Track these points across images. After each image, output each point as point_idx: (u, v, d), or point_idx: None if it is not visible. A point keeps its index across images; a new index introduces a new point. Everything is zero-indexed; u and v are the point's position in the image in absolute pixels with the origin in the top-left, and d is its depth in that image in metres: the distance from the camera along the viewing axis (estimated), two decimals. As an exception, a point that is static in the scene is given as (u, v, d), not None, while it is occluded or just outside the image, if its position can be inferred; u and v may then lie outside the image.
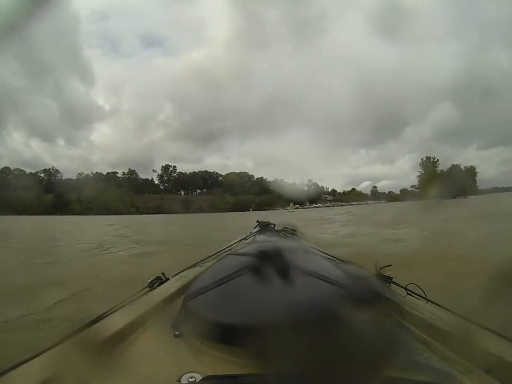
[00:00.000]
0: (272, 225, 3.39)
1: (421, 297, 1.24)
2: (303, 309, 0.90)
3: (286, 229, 3.24)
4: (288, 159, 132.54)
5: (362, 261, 1.73)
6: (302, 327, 0.75)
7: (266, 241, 2.48)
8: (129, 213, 70.71)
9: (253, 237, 3.03)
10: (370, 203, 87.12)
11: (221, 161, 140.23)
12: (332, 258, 1.95)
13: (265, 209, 73.03)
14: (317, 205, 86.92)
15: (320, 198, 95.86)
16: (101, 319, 1.03)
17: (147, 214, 67.56)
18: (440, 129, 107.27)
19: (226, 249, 2.38)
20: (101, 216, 52.77)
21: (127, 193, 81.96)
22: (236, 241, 2.86)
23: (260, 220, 3.76)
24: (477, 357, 0.77)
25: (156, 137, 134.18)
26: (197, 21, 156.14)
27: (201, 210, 79.69)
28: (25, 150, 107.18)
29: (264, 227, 3.38)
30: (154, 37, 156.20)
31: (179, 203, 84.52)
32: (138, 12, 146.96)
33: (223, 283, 1.12)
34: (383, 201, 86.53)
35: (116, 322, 0.98)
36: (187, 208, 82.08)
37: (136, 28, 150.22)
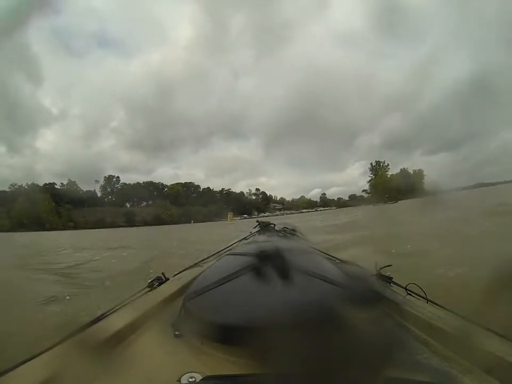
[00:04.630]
0: (272, 225, 3.39)
1: (421, 297, 1.24)
2: (303, 309, 0.90)
3: (286, 229, 3.22)
4: (239, 167, 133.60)
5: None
6: (302, 327, 0.73)
7: (266, 241, 2.47)
8: (66, 228, 65.21)
9: (252, 237, 3.06)
10: (320, 210, 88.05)
11: (173, 171, 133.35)
12: (332, 258, 1.95)
13: (213, 220, 72.36)
14: (265, 214, 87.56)
15: (268, 206, 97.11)
16: (101, 319, 1.03)
17: (84, 229, 62.45)
18: (389, 137, 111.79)
19: (226, 249, 2.37)
20: (31, 232, 48.95)
21: (65, 206, 75.60)
22: (236, 241, 2.86)
23: (259, 220, 3.81)
24: (477, 357, 0.77)
25: (106, 145, 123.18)
26: (157, 21, 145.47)
27: (144, 223, 75.31)
28: None
29: (264, 227, 3.39)
30: (109, 36, 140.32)
31: (121, 216, 79.63)
32: (93, 7, 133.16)
33: (223, 283, 1.12)
34: (334, 208, 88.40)
35: (116, 322, 0.98)
36: (130, 221, 77.13)
37: (90, 25, 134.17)
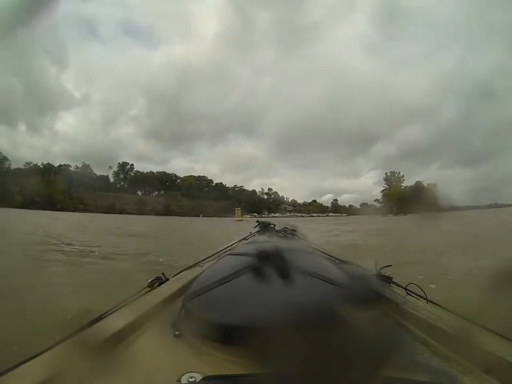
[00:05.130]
0: (272, 226, 3.42)
1: (421, 297, 1.24)
2: (303, 309, 0.90)
3: (286, 229, 3.21)
4: (253, 166, 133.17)
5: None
6: (302, 327, 0.73)
7: (266, 241, 2.49)
8: (76, 210, 65.99)
9: (252, 237, 3.06)
10: (331, 215, 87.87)
11: (188, 164, 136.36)
12: (332, 258, 1.94)
13: (223, 216, 71.99)
14: (275, 215, 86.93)
15: (280, 207, 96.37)
16: (101, 319, 1.02)
17: (95, 212, 63.09)
18: (406, 148, 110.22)
19: (226, 249, 2.35)
20: (40, 211, 49.12)
21: (77, 188, 76.81)
22: (235, 241, 2.85)
23: (259, 220, 3.85)
24: (477, 357, 0.78)
25: (124, 132, 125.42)
26: (185, 13, 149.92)
27: (154, 212, 76.47)
28: None
29: (264, 227, 3.41)
30: (136, 25, 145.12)
31: (132, 203, 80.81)
32: None
33: (223, 283, 1.11)
34: (344, 214, 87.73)
35: (116, 322, 0.97)
36: (140, 209, 77.83)
37: (117, 12, 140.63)
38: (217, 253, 2.18)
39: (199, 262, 1.92)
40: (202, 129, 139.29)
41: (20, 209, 49.23)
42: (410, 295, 1.27)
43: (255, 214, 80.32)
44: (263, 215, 79.97)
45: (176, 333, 0.98)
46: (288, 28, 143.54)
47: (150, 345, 0.93)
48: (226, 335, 0.87)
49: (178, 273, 1.68)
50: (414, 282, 1.35)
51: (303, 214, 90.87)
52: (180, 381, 0.74)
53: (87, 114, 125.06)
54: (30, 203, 61.06)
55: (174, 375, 0.76)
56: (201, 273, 1.48)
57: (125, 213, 68.04)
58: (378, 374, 0.63)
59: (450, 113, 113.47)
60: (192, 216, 71.29)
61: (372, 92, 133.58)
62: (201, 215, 75.62)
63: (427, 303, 1.19)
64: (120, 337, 0.92)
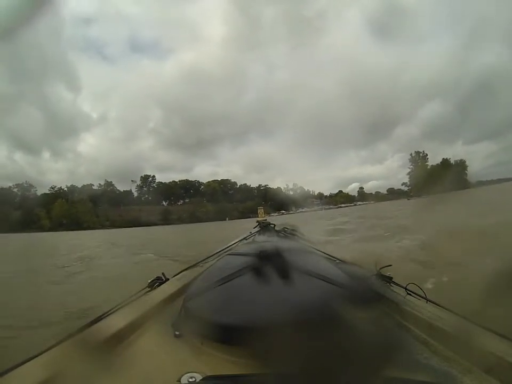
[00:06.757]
0: (272, 225, 3.41)
1: (421, 297, 1.23)
2: (303, 309, 0.90)
3: (286, 229, 3.20)
4: (276, 163, 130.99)
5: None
6: (302, 327, 0.75)
7: (266, 241, 2.50)
8: (102, 227, 67.54)
9: (253, 237, 3.06)
10: (359, 204, 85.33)
11: (211, 169, 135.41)
12: (332, 258, 1.95)
13: (249, 217, 69.99)
14: (303, 210, 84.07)
15: (306, 202, 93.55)
16: (101, 319, 1.02)
17: (120, 227, 63.50)
18: (428, 127, 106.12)
19: (226, 249, 2.35)
20: (68, 232, 48.74)
21: (101, 206, 77.57)
22: (236, 241, 2.84)
23: (259, 220, 3.88)
24: (477, 357, 0.78)
25: (145, 146, 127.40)
26: (190, 20, 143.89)
27: (180, 220, 76.00)
28: (8, 164, 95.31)
29: (264, 227, 3.40)
30: (143, 39, 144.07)
31: (157, 214, 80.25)
32: (124, 13, 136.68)
33: (223, 283, 1.12)
34: (372, 202, 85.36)
35: (116, 322, 0.98)
36: (166, 219, 77.77)
37: (123, 31, 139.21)
38: (217, 253, 2.17)
39: (199, 262, 1.91)
40: (221, 132, 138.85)
41: (48, 232, 49.24)
42: (410, 294, 1.26)
43: (283, 211, 77.85)
44: (291, 212, 77.52)
45: (176, 333, 0.98)
46: (294, 20, 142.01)
47: (150, 345, 0.93)
48: (227, 335, 0.87)
49: (178, 273, 1.67)
50: (414, 282, 1.33)
51: (330, 206, 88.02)
52: (180, 381, 0.74)
53: (106, 132, 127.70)
54: (58, 225, 62.15)
55: (174, 375, 0.76)
56: (201, 273, 1.52)
57: (151, 225, 67.12)
58: (378, 374, 0.63)
59: (470, 85, 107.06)
60: (218, 220, 70.64)
61: (387, 75, 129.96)
62: (227, 218, 75.27)
63: (427, 302, 1.17)
64: (120, 337, 0.92)
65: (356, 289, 1.06)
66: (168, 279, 1.55)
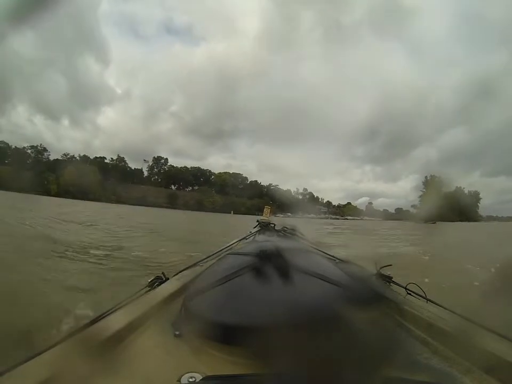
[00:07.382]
0: (272, 225, 3.42)
1: (421, 297, 1.23)
2: (303, 309, 0.89)
3: (285, 229, 3.21)
4: (289, 166, 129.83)
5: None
6: (302, 327, 0.74)
7: (266, 241, 2.47)
8: (107, 200, 66.04)
9: (253, 236, 3.06)
10: (366, 219, 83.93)
11: (225, 161, 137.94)
12: (332, 258, 1.95)
13: (255, 214, 69.28)
14: (309, 215, 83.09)
15: (314, 208, 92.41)
16: (101, 319, 1.01)
17: (125, 204, 62.66)
18: (447, 153, 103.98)
19: (226, 249, 2.35)
20: (68, 199, 48.52)
21: (110, 180, 76.64)
22: (236, 240, 2.83)
23: (259, 220, 3.81)
24: (477, 357, 0.78)
25: (164, 128, 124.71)
26: (226, 11, 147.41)
27: (186, 207, 75.13)
28: (28, 125, 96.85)
29: (264, 227, 3.42)
30: (177, 22, 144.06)
31: (164, 197, 79.83)
32: None
33: (223, 283, 1.11)
34: (379, 219, 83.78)
35: (116, 322, 0.97)
36: (172, 203, 77.10)
37: (159, 12, 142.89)
38: (217, 252, 2.15)
39: (199, 261, 1.89)
40: (241, 126, 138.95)
41: (53, 197, 49.22)
42: (410, 294, 1.26)
43: (289, 213, 76.78)
44: (297, 216, 76.47)
45: (177, 332, 0.97)
46: (330, 27, 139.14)
47: (150, 345, 0.92)
48: (227, 335, 0.87)
49: (178, 273, 1.66)
50: (413, 282, 1.33)
51: (337, 217, 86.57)
52: (180, 381, 0.74)
53: (128, 109, 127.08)
54: (64, 192, 61.87)
55: (174, 375, 0.76)
56: (201, 272, 1.51)
57: (156, 206, 66.94)
58: (378, 374, 0.63)
59: (497, 117, 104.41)
60: (223, 213, 70.11)
61: (417, 94, 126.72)
62: (232, 212, 74.53)
63: (427, 302, 1.17)
64: (120, 337, 0.91)
65: (356, 289, 1.04)
66: (168, 279, 1.54)
